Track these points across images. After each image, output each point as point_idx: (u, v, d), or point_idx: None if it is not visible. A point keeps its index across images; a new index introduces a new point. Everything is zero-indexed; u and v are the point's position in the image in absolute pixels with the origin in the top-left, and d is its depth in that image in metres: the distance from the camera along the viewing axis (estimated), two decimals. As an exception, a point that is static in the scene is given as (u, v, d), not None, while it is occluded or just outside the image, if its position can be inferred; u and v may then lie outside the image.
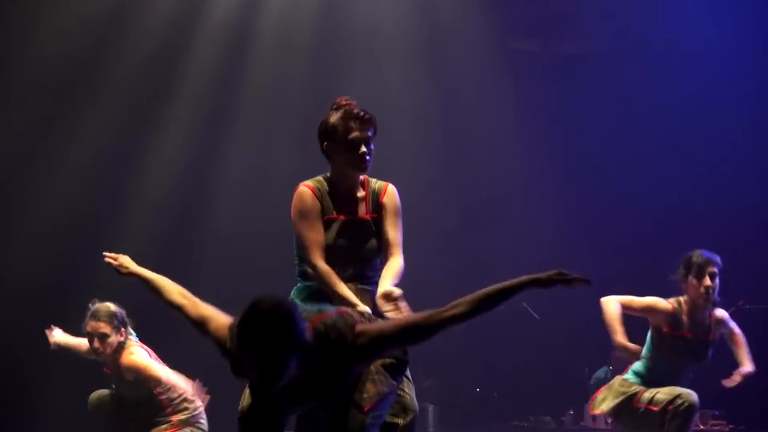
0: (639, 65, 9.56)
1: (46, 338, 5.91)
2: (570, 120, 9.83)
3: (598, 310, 9.70)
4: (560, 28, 10.07)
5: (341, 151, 3.91)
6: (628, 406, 5.52)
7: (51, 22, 8.67)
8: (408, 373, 3.91)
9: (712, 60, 9.23)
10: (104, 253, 3.85)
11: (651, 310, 5.56)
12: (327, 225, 3.91)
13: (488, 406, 9.32)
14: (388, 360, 3.45)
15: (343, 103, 3.96)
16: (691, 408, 5.31)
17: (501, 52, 9.84)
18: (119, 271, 3.77)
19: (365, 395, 3.35)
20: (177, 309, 3.46)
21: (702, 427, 7.24)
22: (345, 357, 3.11)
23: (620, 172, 9.64)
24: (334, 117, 3.93)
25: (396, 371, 3.50)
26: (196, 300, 3.47)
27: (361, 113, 3.92)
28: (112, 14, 8.85)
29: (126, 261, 3.80)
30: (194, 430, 5.61)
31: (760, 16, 9.21)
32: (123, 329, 5.50)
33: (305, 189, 3.97)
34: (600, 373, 9.02)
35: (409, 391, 3.88)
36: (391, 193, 4.06)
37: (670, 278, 5.60)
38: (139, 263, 3.73)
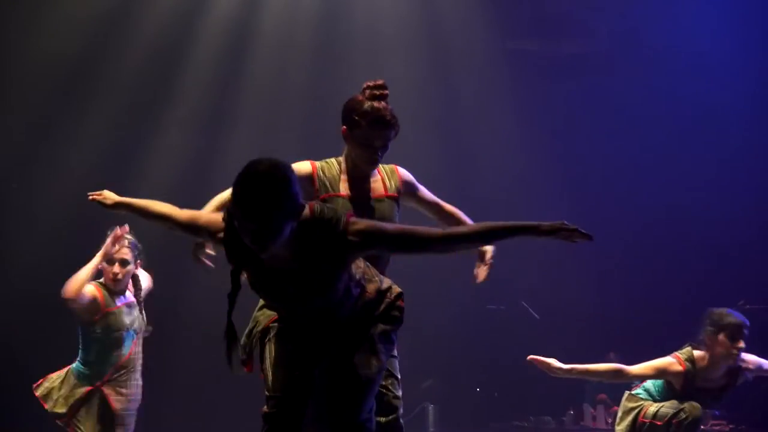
0: (638, 65, 9.56)
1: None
2: (570, 120, 9.83)
3: (598, 310, 9.72)
4: (559, 28, 10.07)
5: (356, 144, 3.91)
6: (636, 422, 5.47)
7: (51, 22, 8.67)
8: (397, 372, 3.90)
9: (712, 60, 9.23)
10: (88, 194, 3.79)
11: (662, 373, 5.40)
12: (326, 202, 3.79)
13: (488, 406, 9.32)
14: (381, 327, 3.42)
15: (377, 93, 3.89)
16: (695, 422, 5.26)
17: (501, 52, 9.84)
18: (104, 205, 3.71)
19: (370, 370, 3.34)
20: (166, 219, 3.41)
21: (702, 427, 7.23)
22: (338, 239, 3.10)
23: (620, 172, 9.64)
24: (361, 110, 3.87)
25: (392, 332, 3.49)
26: (184, 209, 3.44)
27: (387, 117, 3.88)
28: (112, 14, 8.86)
29: (108, 194, 3.74)
30: None
31: (760, 17, 9.21)
32: (139, 260, 5.48)
33: (305, 163, 3.95)
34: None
35: (393, 390, 3.86)
36: (407, 175, 4.11)
37: (700, 338, 5.43)
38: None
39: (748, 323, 5.41)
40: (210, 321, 5.78)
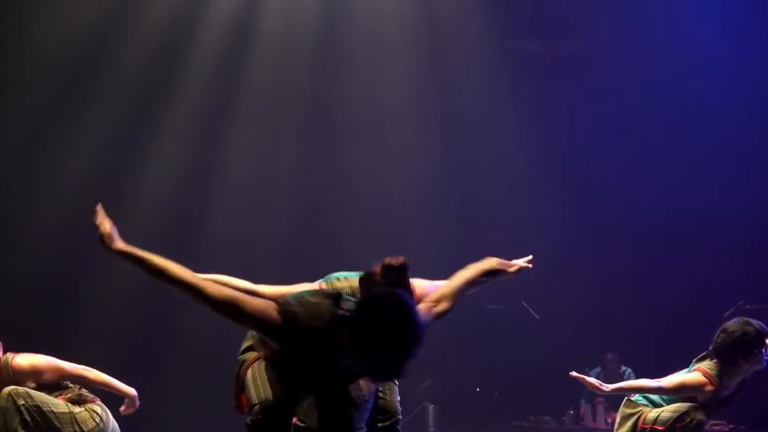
0: (638, 65, 9.57)
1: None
2: (569, 120, 9.83)
3: (597, 310, 9.71)
4: (559, 28, 10.07)
5: None
6: (636, 428, 5.32)
7: (51, 23, 8.67)
8: None
9: (712, 60, 9.23)
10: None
11: (693, 391, 5.23)
12: None
13: (488, 406, 9.32)
14: None
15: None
16: (700, 426, 5.13)
17: (501, 52, 9.85)
18: (108, 248, 3.03)
19: (360, 392, 3.37)
20: (191, 290, 2.91)
21: (702, 427, 7.21)
22: None
23: (620, 172, 9.64)
24: None
25: None
26: (210, 281, 3.02)
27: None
28: (112, 14, 8.86)
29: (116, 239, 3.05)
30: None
31: (760, 17, 9.21)
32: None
33: None
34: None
35: (390, 394, 3.89)
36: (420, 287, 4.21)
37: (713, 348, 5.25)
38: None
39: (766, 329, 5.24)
40: (206, 329, 5.80)
